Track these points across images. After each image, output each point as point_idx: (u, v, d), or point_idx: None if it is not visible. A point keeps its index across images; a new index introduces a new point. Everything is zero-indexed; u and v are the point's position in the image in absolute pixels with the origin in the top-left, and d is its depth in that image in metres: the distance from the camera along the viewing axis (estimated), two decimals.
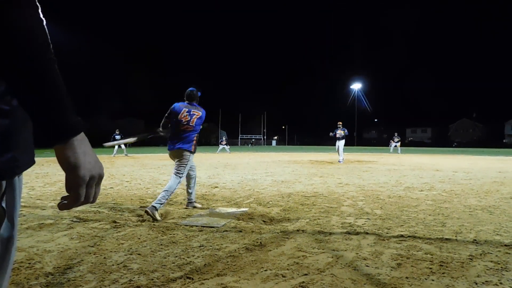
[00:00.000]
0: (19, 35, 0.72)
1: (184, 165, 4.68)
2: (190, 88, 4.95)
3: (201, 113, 4.87)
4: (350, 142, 63.15)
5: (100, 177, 0.86)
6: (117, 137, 21.25)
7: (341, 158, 16.05)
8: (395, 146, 30.46)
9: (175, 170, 4.68)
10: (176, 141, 4.71)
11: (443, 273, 2.54)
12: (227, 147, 30.25)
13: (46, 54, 0.77)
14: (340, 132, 16.28)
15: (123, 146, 21.35)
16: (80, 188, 0.82)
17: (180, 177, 4.62)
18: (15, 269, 2.62)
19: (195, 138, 4.78)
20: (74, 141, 0.81)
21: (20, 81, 0.74)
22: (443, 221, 4.20)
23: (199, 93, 4.95)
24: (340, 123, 16.55)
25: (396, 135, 30.92)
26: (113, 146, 21.21)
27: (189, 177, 5.03)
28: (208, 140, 79.62)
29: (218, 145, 31.37)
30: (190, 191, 5.06)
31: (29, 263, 2.74)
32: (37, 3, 0.78)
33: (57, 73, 0.78)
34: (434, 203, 5.41)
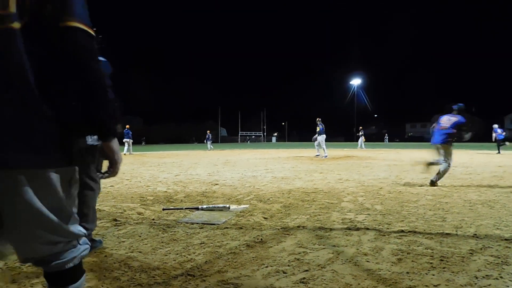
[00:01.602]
0: (94, 80, 1.27)
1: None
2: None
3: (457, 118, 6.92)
4: (350, 137, 62.99)
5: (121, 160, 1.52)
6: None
7: (325, 154, 16.42)
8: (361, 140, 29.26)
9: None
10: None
11: (443, 268, 2.55)
12: (209, 144, 30.85)
13: (107, 90, 1.32)
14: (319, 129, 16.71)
15: (126, 145, 21.24)
16: (117, 165, 1.50)
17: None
18: (16, 267, 2.63)
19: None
20: (114, 140, 1.42)
21: (92, 106, 1.29)
22: (443, 216, 4.20)
23: None
24: (319, 119, 16.91)
25: (360, 128, 29.86)
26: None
27: None
28: (205, 137, 79.41)
29: (212, 143, 31.67)
30: None
31: None
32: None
33: (113, 103, 1.38)
34: (434, 198, 5.42)
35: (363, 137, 29.56)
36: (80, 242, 1.39)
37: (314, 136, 16.97)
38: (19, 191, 1.19)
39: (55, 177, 1.25)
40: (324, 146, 16.61)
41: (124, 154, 20.73)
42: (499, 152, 18.98)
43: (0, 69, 1.17)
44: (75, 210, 1.36)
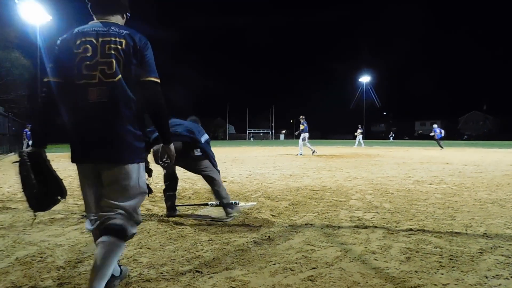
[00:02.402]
0: (158, 104, 2.07)
1: None
2: None
3: None
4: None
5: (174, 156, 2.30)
6: None
7: (300, 152, 16.66)
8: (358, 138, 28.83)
9: None
10: None
11: (452, 267, 2.53)
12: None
13: (166, 112, 2.11)
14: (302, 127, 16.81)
15: None
16: (172, 157, 2.27)
17: None
18: (27, 262, 2.67)
19: None
20: (171, 143, 2.22)
21: (158, 124, 2.13)
22: (453, 214, 4.17)
23: None
24: (303, 116, 17.03)
25: (359, 126, 29.14)
26: None
27: None
28: (216, 134, 79.76)
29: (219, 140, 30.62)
30: None
31: (41, 257, 2.79)
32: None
33: (167, 119, 2.19)
34: (444, 196, 5.37)
35: (361, 135, 29.16)
36: (136, 220, 2.09)
37: (299, 132, 16.97)
38: (118, 175, 2.00)
39: (136, 166, 2.06)
40: (306, 144, 16.90)
41: None
42: (442, 148, 21.87)
43: (109, 104, 1.94)
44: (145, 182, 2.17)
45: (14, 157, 17.76)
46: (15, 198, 5.49)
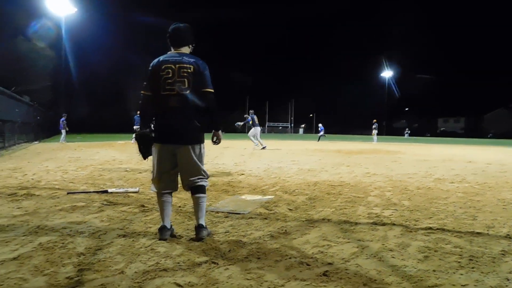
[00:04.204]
0: (212, 106, 3.13)
1: None
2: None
3: None
4: (379, 131, 61.64)
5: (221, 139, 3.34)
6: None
7: (256, 144, 16.79)
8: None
9: None
10: None
11: (472, 268, 2.47)
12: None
13: (217, 110, 3.19)
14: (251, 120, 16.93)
15: None
16: (220, 140, 3.29)
17: None
18: (50, 248, 2.75)
19: None
20: (220, 129, 3.26)
21: (211, 116, 3.19)
22: (475, 214, 4.07)
23: None
24: (252, 111, 17.26)
25: (374, 121, 28.68)
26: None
27: None
28: (234, 127, 79.79)
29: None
30: None
31: (63, 243, 2.87)
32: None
33: (218, 114, 3.26)
34: (466, 195, 5.25)
35: (376, 131, 28.63)
36: (206, 177, 3.17)
37: (247, 127, 16.94)
38: (189, 153, 3.02)
39: (198, 147, 3.07)
40: (258, 138, 16.82)
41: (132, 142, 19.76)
42: (319, 140, 27.18)
43: (182, 108, 2.99)
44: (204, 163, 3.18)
45: (38, 145, 18.27)
46: (39, 185, 5.65)
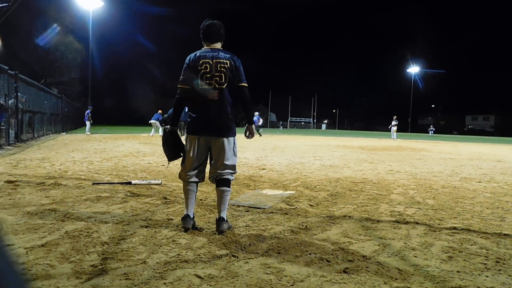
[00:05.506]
0: (247, 100, 3.25)
1: None
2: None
3: None
4: (405, 127, 60.27)
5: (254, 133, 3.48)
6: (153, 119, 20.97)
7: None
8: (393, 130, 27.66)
9: None
10: None
11: (499, 270, 2.40)
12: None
13: (251, 104, 3.31)
14: None
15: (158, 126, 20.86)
16: (253, 134, 3.44)
17: None
18: (75, 236, 2.83)
19: None
20: (253, 124, 3.36)
21: (247, 111, 3.28)
22: (503, 215, 3.94)
23: None
24: (257, 113, 17.20)
25: (394, 118, 27.53)
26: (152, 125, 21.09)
27: None
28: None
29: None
30: None
31: (87, 232, 2.95)
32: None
33: (252, 108, 3.40)
34: (493, 195, 5.09)
35: (395, 127, 27.70)
36: (234, 172, 3.26)
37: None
38: (223, 145, 3.12)
39: (232, 140, 3.19)
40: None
41: (150, 136, 20.01)
42: (260, 135, 24.36)
43: (219, 101, 3.11)
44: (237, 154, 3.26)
45: (66, 136, 18.81)
46: (66, 175, 5.82)
